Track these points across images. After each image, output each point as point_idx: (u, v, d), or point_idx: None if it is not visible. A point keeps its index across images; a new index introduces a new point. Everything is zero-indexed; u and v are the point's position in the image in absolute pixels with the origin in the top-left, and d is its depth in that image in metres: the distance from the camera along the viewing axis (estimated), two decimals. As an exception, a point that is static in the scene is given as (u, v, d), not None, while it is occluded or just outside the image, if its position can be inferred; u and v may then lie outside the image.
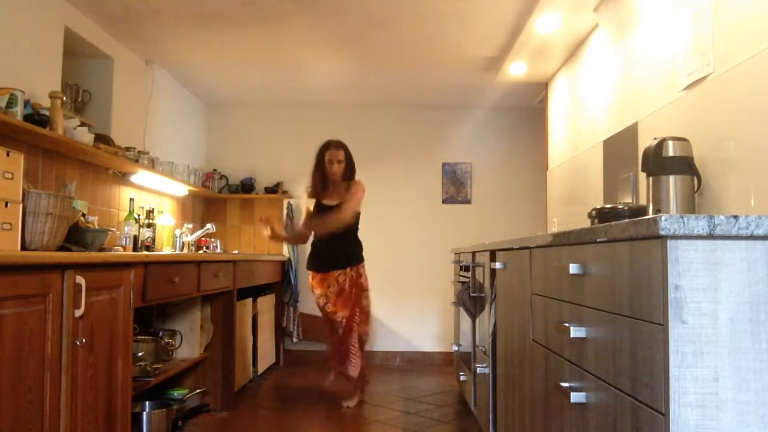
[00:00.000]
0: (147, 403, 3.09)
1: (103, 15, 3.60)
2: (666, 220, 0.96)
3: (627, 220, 1.11)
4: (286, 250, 5.49)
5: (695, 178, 2.02)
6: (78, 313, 2.00)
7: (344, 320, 3.88)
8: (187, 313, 3.63)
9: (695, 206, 2.01)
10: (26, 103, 2.75)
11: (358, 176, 4.03)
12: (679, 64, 2.29)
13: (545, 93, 4.59)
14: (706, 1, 2.10)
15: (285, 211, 5.56)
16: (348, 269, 3.91)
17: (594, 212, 2.26)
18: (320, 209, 3.94)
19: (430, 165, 5.76)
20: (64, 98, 3.23)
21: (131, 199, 3.91)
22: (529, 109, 5.60)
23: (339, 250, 3.92)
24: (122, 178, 3.92)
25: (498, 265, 2.53)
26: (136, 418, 2.86)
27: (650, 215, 1.77)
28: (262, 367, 4.75)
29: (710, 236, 0.97)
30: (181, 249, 4.45)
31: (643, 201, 2.51)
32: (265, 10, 3.57)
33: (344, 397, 3.97)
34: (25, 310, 1.75)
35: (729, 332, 0.96)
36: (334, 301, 3.87)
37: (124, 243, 3.62)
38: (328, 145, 3.95)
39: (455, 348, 4.19)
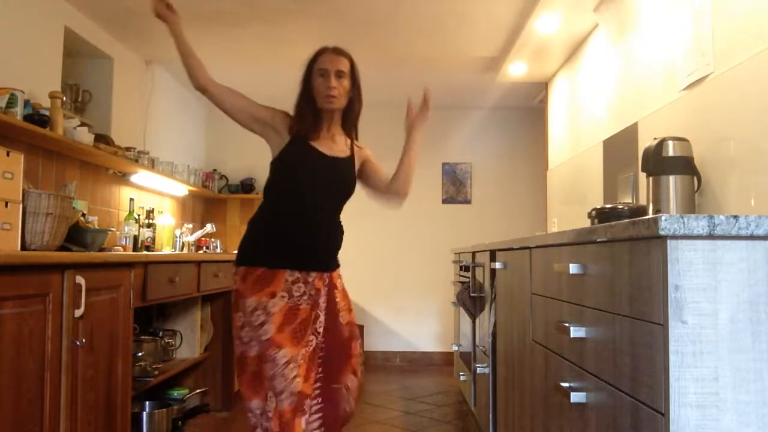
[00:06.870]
0: (147, 403, 3.08)
1: (103, 15, 3.60)
2: (666, 220, 0.96)
3: (627, 220, 1.11)
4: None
5: (695, 178, 2.02)
6: (78, 313, 2.00)
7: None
8: (187, 313, 3.63)
9: (695, 206, 2.01)
10: (26, 103, 2.74)
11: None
12: (679, 64, 2.29)
13: (545, 93, 4.59)
14: (706, 2, 2.10)
15: None
16: (327, 275, 2.17)
17: (594, 212, 2.26)
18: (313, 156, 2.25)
19: (430, 165, 5.75)
20: (64, 98, 3.22)
21: (131, 199, 3.91)
22: (529, 109, 5.60)
23: (329, 236, 2.24)
24: (122, 178, 3.92)
25: (498, 265, 2.52)
26: (136, 418, 2.86)
27: (650, 215, 1.77)
28: (262, 367, 4.74)
29: (710, 236, 0.97)
30: (181, 249, 4.44)
31: (643, 201, 2.51)
32: (265, 11, 3.57)
33: None
34: (25, 310, 1.75)
35: (729, 332, 0.96)
36: (279, 324, 1.99)
37: (124, 243, 3.62)
38: (322, 50, 2.29)
39: (455, 348, 4.19)
